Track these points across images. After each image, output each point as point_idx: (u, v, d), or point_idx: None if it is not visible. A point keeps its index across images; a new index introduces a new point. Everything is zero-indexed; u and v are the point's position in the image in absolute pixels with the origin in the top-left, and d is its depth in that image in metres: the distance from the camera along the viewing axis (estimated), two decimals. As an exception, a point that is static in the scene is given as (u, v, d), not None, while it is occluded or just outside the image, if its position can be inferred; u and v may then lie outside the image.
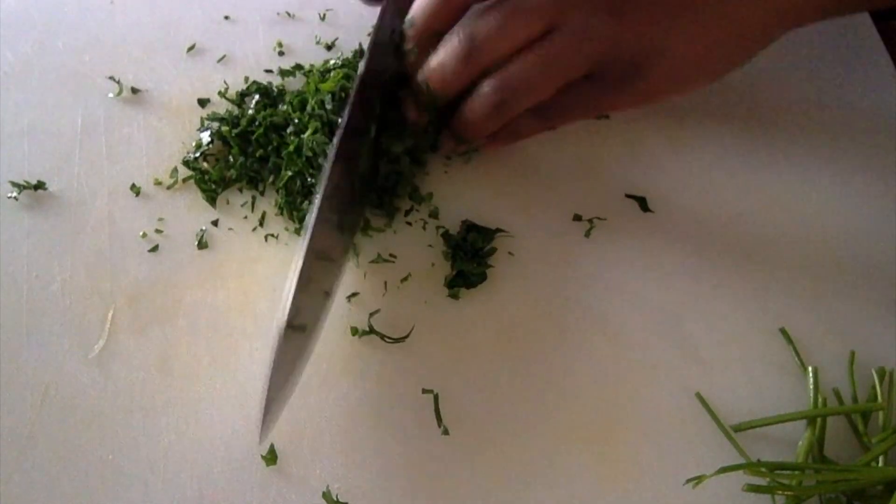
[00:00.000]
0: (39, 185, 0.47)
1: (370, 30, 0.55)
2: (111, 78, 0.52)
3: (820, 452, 0.39)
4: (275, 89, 0.51)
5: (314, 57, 0.54)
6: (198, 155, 0.48)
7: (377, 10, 0.46)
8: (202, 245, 0.46)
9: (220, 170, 0.48)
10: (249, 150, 0.48)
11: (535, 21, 0.42)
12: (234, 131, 0.48)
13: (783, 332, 0.44)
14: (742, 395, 0.42)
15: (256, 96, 0.51)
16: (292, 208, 0.46)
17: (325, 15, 0.57)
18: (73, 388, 0.40)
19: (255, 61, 0.54)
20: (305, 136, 0.46)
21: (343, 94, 0.47)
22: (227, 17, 0.57)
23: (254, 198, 0.47)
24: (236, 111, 0.50)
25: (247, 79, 0.53)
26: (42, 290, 0.43)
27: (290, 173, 0.46)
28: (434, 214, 0.47)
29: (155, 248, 0.45)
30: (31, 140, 0.49)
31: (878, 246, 0.47)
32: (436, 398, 0.41)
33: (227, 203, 0.47)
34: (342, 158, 0.40)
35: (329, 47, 0.55)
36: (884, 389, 0.41)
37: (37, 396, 0.40)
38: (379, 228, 0.47)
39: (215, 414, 0.40)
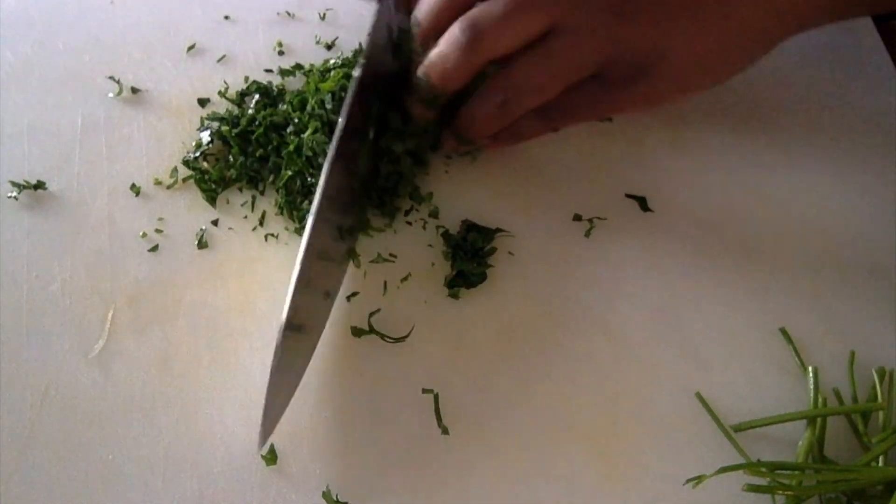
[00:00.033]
0: (39, 185, 0.47)
1: (369, 29, 0.55)
2: (111, 78, 0.52)
3: (820, 452, 0.39)
4: (275, 89, 0.51)
5: (314, 57, 0.54)
6: (198, 155, 0.48)
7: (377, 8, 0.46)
8: (202, 245, 0.46)
9: (220, 169, 0.48)
10: (249, 149, 0.48)
11: (538, 16, 0.42)
12: (234, 131, 0.48)
13: (783, 332, 0.44)
14: (742, 395, 0.42)
15: (256, 96, 0.51)
16: (292, 208, 0.46)
17: (325, 15, 0.57)
18: (73, 388, 0.40)
19: (255, 61, 0.54)
20: (305, 135, 0.46)
21: (343, 94, 0.47)
22: (227, 17, 0.57)
23: (254, 197, 0.47)
24: (236, 111, 0.50)
25: (247, 78, 0.52)
26: (42, 290, 0.43)
27: (290, 173, 0.46)
28: (434, 214, 0.47)
29: (155, 248, 0.45)
30: (31, 140, 0.49)
31: (878, 246, 0.47)
32: (436, 398, 0.41)
33: (227, 203, 0.47)
34: (341, 158, 0.40)
35: (329, 47, 0.55)
36: (884, 389, 0.41)
37: (37, 396, 0.40)
38: (379, 228, 0.47)
39: (215, 414, 0.40)
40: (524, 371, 0.42)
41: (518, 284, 0.45)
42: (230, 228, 0.46)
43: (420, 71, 0.45)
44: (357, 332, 0.43)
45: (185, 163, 0.48)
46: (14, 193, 0.47)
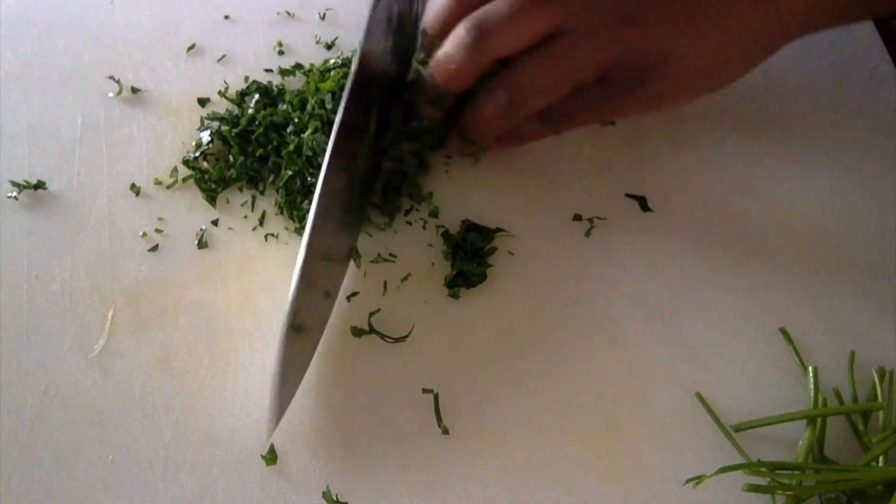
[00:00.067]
0: (39, 185, 0.47)
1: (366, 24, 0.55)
2: (111, 78, 0.52)
3: (820, 452, 0.39)
4: (275, 89, 0.51)
5: (314, 56, 0.54)
6: (198, 154, 0.48)
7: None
8: (202, 245, 0.46)
9: (220, 169, 0.48)
10: (249, 149, 0.48)
11: (544, 18, 0.42)
12: (234, 131, 0.48)
13: (783, 332, 0.44)
14: (742, 395, 0.42)
15: (256, 96, 0.51)
16: (292, 208, 0.46)
17: (325, 14, 0.57)
18: (73, 388, 0.40)
19: (255, 61, 0.54)
20: (305, 135, 0.46)
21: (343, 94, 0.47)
22: (227, 17, 0.57)
23: (254, 197, 0.47)
24: (236, 111, 0.50)
25: (247, 78, 0.52)
26: (42, 290, 0.43)
27: (290, 173, 0.46)
28: (434, 214, 0.47)
29: (155, 248, 0.45)
30: (31, 140, 0.49)
31: (879, 246, 0.47)
32: (436, 398, 0.41)
33: (227, 202, 0.47)
34: (338, 157, 0.40)
35: (329, 47, 0.55)
36: (884, 389, 0.41)
37: (37, 396, 0.40)
38: (379, 227, 0.47)
39: (215, 414, 0.40)
40: (524, 371, 0.42)
41: (518, 284, 0.45)
42: (230, 228, 0.46)
43: (426, 71, 0.45)
44: (357, 332, 0.43)
45: (185, 163, 0.48)
46: (14, 193, 0.47)
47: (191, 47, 0.54)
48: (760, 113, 0.53)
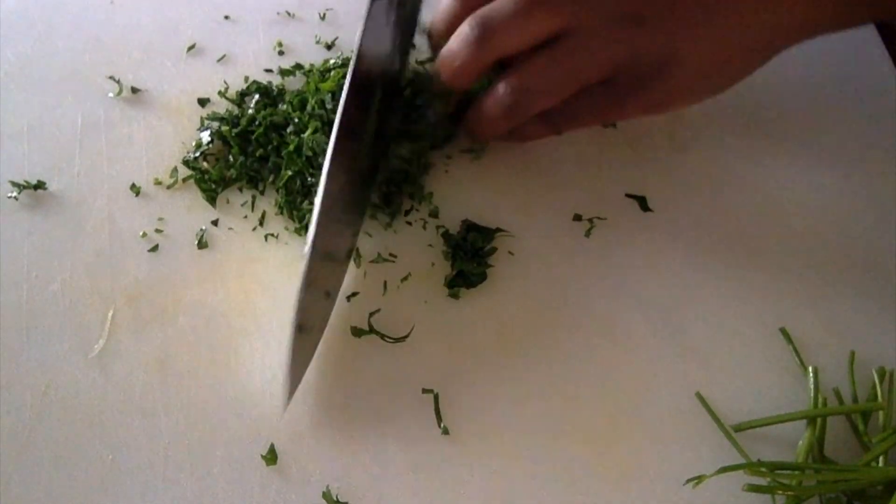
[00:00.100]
0: (39, 185, 0.47)
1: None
2: (111, 78, 0.52)
3: (820, 452, 0.39)
4: (275, 89, 0.51)
5: (314, 56, 0.54)
6: (198, 154, 0.48)
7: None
8: (202, 245, 0.46)
9: (220, 169, 0.48)
10: (249, 149, 0.48)
11: (549, 17, 0.41)
12: (234, 131, 0.48)
13: (783, 332, 0.44)
14: (742, 395, 0.42)
15: (256, 96, 0.51)
16: (292, 208, 0.46)
17: (325, 15, 0.57)
18: (73, 388, 0.40)
19: (255, 61, 0.54)
20: (305, 135, 0.46)
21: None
22: (227, 17, 0.57)
23: (254, 197, 0.47)
24: (236, 111, 0.50)
25: (247, 78, 0.53)
26: (42, 290, 0.43)
27: (290, 173, 0.46)
28: (434, 214, 0.47)
29: (155, 248, 0.45)
30: (31, 140, 0.49)
31: (879, 246, 0.47)
32: (436, 398, 0.41)
33: (227, 203, 0.47)
34: (340, 156, 0.40)
35: (329, 47, 0.55)
36: (884, 389, 0.40)
37: (37, 396, 0.40)
38: (383, 223, 0.46)
39: (215, 414, 0.40)
40: (524, 371, 0.42)
41: (518, 284, 0.45)
42: (230, 228, 0.46)
43: (433, 68, 0.45)
44: (357, 332, 0.43)
45: (185, 163, 0.48)
46: (14, 193, 0.47)
47: (191, 47, 0.54)
48: (760, 113, 0.53)
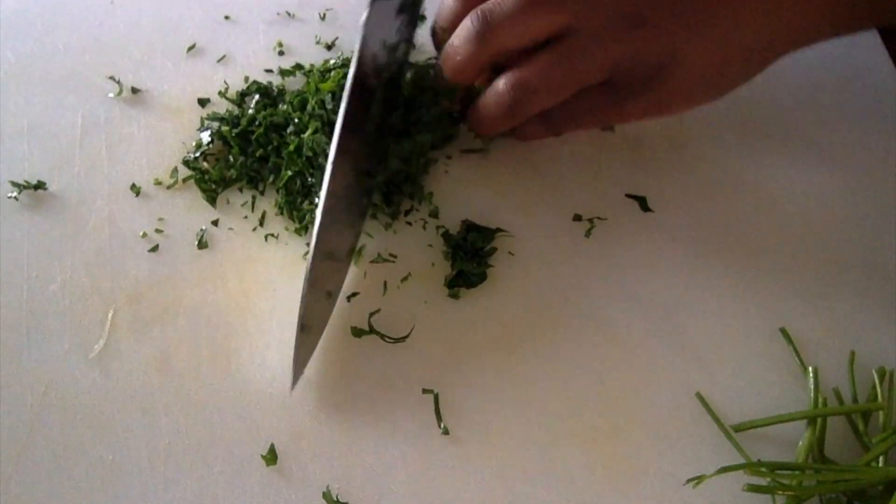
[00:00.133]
0: (39, 185, 0.47)
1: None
2: (111, 78, 0.52)
3: (820, 452, 0.39)
4: (275, 89, 0.51)
5: (314, 57, 0.54)
6: (198, 155, 0.48)
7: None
8: (202, 245, 0.46)
9: (220, 169, 0.48)
10: (249, 149, 0.48)
11: (550, 16, 0.41)
12: (235, 131, 0.48)
13: (783, 332, 0.44)
14: (742, 395, 0.42)
15: (256, 96, 0.51)
16: (292, 208, 0.46)
17: (325, 15, 0.57)
18: (73, 388, 0.40)
19: (255, 61, 0.54)
20: (306, 135, 0.46)
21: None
22: (227, 17, 0.57)
23: (254, 197, 0.47)
24: (236, 111, 0.50)
25: (247, 79, 0.53)
26: (42, 290, 0.43)
27: (290, 173, 0.46)
28: (434, 214, 0.47)
29: (155, 248, 0.45)
30: (31, 140, 0.49)
31: (878, 246, 0.47)
32: (436, 398, 0.41)
33: (228, 203, 0.47)
34: (343, 155, 0.40)
35: (329, 47, 0.55)
36: (884, 389, 0.40)
37: (37, 396, 0.40)
38: (383, 223, 0.46)
39: (215, 414, 0.40)
40: (524, 371, 0.42)
41: (518, 284, 0.45)
42: (230, 229, 0.46)
43: (438, 64, 0.45)
44: (357, 332, 0.43)
45: (186, 163, 0.48)
46: (14, 194, 0.47)
47: (191, 47, 0.54)
48: (760, 113, 0.53)
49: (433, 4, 0.47)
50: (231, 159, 0.48)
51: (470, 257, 0.45)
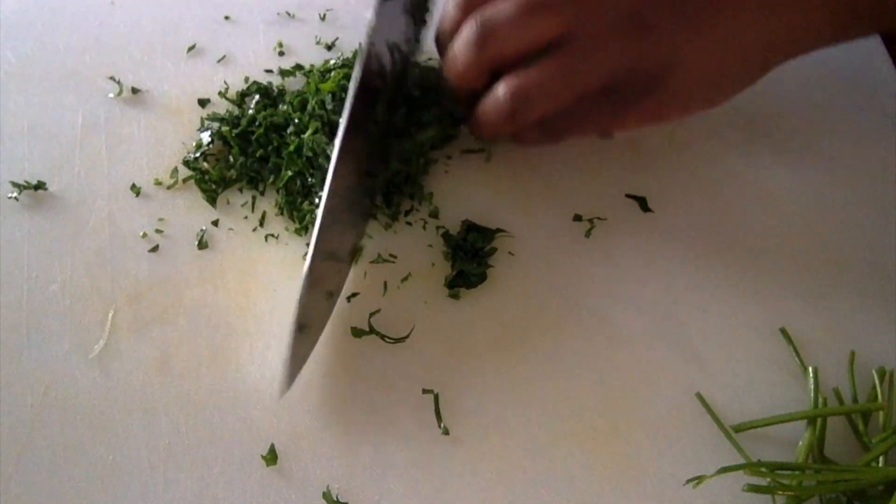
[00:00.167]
0: (40, 186, 0.47)
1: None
2: (111, 78, 0.52)
3: (820, 452, 0.39)
4: (275, 89, 0.51)
5: (314, 57, 0.54)
6: (198, 155, 0.48)
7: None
8: (202, 245, 0.46)
9: (221, 170, 0.48)
10: (250, 150, 0.48)
11: (552, 20, 0.41)
12: (235, 131, 0.49)
13: (783, 332, 0.44)
14: (742, 395, 0.42)
15: (257, 96, 0.51)
16: (292, 208, 0.46)
17: (325, 15, 0.57)
18: (73, 388, 0.40)
19: (255, 61, 0.54)
20: (306, 136, 0.46)
21: (343, 95, 0.47)
22: (227, 17, 0.57)
23: (254, 198, 0.47)
24: (236, 111, 0.50)
25: (247, 79, 0.53)
26: (42, 290, 0.43)
27: (290, 173, 0.46)
28: (434, 214, 0.47)
29: (155, 248, 0.45)
30: (31, 140, 0.49)
31: (878, 246, 0.47)
32: (436, 398, 0.41)
33: (228, 203, 0.47)
34: (346, 156, 0.40)
35: (329, 47, 0.55)
36: (884, 389, 0.41)
37: (37, 396, 0.40)
38: (383, 224, 0.46)
39: (215, 414, 0.40)
40: (524, 371, 0.42)
41: (518, 284, 0.45)
42: (230, 229, 0.46)
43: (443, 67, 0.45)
44: (357, 332, 0.43)
45: (186, 163, 0.48)
46: (14, 194, 0.47)
47: (191, 48, 0.54)
48: (761, 113, 0.53)
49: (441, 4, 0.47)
50: (231, 159, 0.48)
51: (470, 257, 0.45)
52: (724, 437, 0.40)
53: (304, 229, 0.46)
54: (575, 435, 0.40)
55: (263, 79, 0.52)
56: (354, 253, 0.45)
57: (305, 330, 0.39)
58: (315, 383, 0.41)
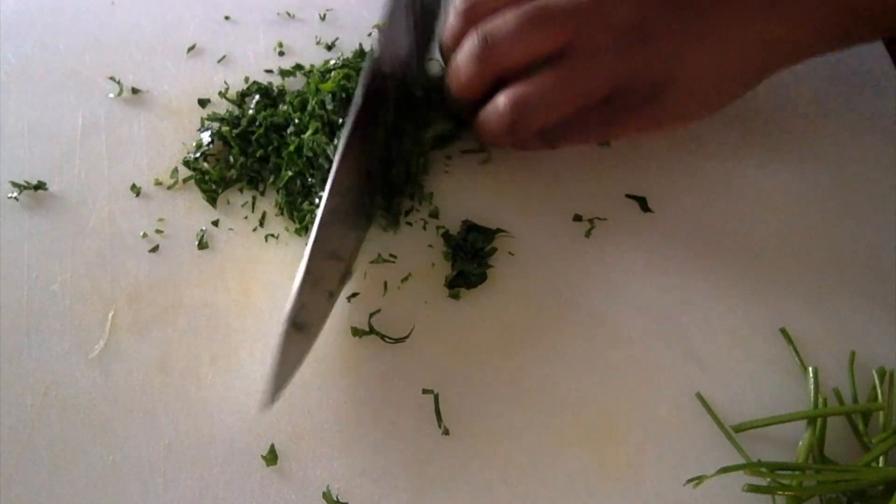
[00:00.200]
0: (40, 186, 0.47)
1: (370, 30, 0.56)
2: (111, 78, 0.52)
3: (820, 452, 0.39)
4: (275, 89, 0.51)
5: (314, 57, 0.54)
6: (198, 155, 0.48)
7: (378, 9, 0.46)
8: (202, 245, 0.46)
9: (221, 170, 0.48)
10: (250, 150, 0.48)
11: (553, 33, 0.41)
12: (235, 131, 0.49)
13: (783, 332, 0.44)
14: (742, 395, 0.42)
15: (257, 96, 0.51)
16: (293, 208, 0.46)
17: (325, 15, 0.57)
18: (73, 388, 0.40)
19: (255, 61, 0.54)
20: (306, 136, 0.46)
21: (343, 95, 0.47)
22: (227, 18, 0.57)
23: (254, 198, 0.48)
24: (237, 111, 0.50)
25: (247, 79, 0.53)
26: (42, 290, 0.43)
27: (290, 173, 0.46)
28: (434, 214, 0.47)
29: (155, 248, 0.45)
30: (31, 140, 0.49)
31: (878, 246, 0.47)
32: (436, 398, 0.41)
33: (228, 203, 0.47)
34: (350, 157, 0.40)
35: (329, 47, 0.55)
36: (884, 389, 0.41)
37: (37, 396, 0.40)
38: (383, 224, 0.46)
39: (215, 414, 0.40)
40: (524, 371, 0.42)
41: (518, 284, 0.45)
42: (230, 229, 0.46)
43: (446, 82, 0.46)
44: (357, 332, 0.43)
45: (186, 163, 0.48)
46: (14, 194, 0.47)
47: (191, 48, 0.54)
48: (760, 113, 0.53)
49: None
50: (231, 160, 0.48)
51: (470, 258, 0.45)
52: (724, 437, 0.40)
53: (304, 229, 0.46)
54: (575, 435, 0.40)
55: (263, 79, 0.52)
56: (356, 254, 0.45)
57: (300, 330, 0.39)
58: (315, 383, 0.41)
